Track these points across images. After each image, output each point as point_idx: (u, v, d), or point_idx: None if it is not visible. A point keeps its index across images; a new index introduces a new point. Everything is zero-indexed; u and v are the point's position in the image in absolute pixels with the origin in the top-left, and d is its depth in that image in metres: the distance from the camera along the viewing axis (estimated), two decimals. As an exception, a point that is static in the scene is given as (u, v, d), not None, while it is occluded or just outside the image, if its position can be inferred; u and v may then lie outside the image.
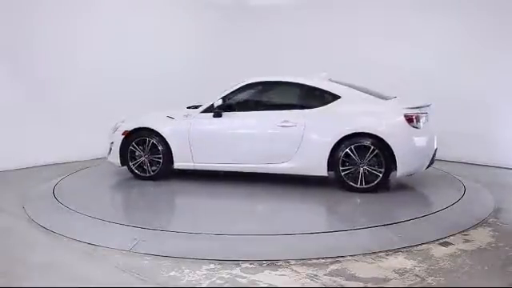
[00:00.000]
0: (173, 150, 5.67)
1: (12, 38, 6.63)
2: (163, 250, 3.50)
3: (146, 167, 5.81)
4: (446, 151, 7.01)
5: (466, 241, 3.70)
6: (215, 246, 3.61)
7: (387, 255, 3.39)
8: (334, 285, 2.93)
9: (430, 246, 3.58)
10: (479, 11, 6.79)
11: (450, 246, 3.58)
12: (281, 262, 3.26)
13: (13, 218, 4.45)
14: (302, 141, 5.16)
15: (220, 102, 5.52)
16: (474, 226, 4.04)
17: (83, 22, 7.35)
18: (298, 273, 3.11)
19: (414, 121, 4.96)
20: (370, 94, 5.38)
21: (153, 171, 5.80)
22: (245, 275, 3.08)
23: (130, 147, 5.83)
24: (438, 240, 3.69)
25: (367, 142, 4.96)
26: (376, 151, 4.93)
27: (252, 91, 5.75)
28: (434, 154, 5.28)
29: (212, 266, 3.22)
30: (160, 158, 5.72)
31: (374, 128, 4.98)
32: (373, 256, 3.38)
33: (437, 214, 4.36)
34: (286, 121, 5.23)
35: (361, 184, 5.02)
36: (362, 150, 4.98)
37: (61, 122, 7.16)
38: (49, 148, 6.94)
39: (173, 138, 5.67)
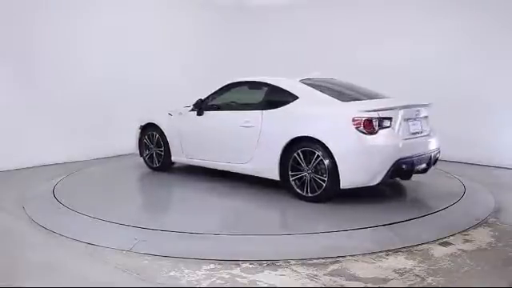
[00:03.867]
0: (170, 144, 6.15)
1: (12, 39, 6.63)
2: (163, 250, 3.50)
3: (154, 159, 6.41)
4: (446, 151, 7.03)
5: (466, 241, 3.70)
6: (215, 246, 3.61)
7: (387, 255, 3.39)
8: (334, 285, 2.93)
9: (430, 245, 3.58)
10: (479, 11, 6.79)
11: (450, 246, 3.58)
12: (281, 262, 3.26)
13: (13, 218, 4.46)
14: (258, 142, 5.08)
15: (199, 100, 5.82)
16: (474, 226, 4.04)
17: (83, 23, 7.36)
18: (298, 273, 3.11)
19: (363, 126, 4.41)
20: (357, 94, 5.15)
21: (158, 162, 6.33)
22: (245, 275, 3.08)
23: (144, 140, 6.47)
24: (437, 240, 3.69)
25: (312, 148, 4.61)
26: (320, 158, 4.56)
27: (231, 91, 5.79)
28: (412, 163, 4.63)
29: (212, 266, 3.22)
30: (163, 151, 6.25)
31: (318, 132, 4.59)
32: (373, 256, 3.38)
33: (437, 214, 4.36)
34: (247, 121, 5.21)
35: (306, 192, 4.71)
36: (309, 156, 4.64)
37: (61, 122, 7.16)
38: (49, 148, 6.95)
39: (170, 133, 6.17)
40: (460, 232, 3.87)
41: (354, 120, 4.44)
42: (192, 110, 5.92)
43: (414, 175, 5.02)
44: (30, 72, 6.83)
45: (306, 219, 4.27)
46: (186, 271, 3.14)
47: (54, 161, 7.02)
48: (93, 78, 7.45)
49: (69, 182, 5.80)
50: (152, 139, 6.37)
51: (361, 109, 4.54)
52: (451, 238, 3.75)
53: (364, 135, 4.42)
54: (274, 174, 4.97)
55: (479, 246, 3.59)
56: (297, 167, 4.75)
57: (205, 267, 3.19)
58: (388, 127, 4.53)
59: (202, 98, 5.87)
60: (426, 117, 5.08)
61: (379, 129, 4.46)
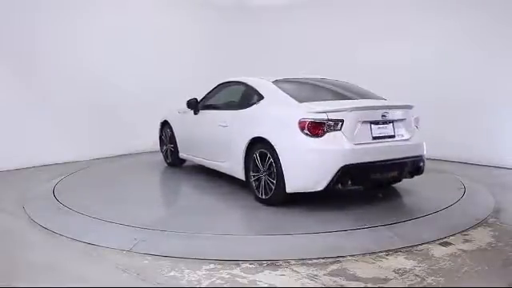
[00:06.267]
0: (177, 140, 6.47)
1: (13, 39, 6.64)
2: (163, 250, 3.50)
3: (168, 155, 6.79)
4: (446, 151, 7.04)
5: (466, 241, 3.70)
6: (215, 246, 3.61)
7: (387, 255, 3.39)
8: (334, 285, 2.93)
9: (430, 245, 3.58)
10: (479, 12, 6.78)
11: (450, 246, 3.57)
12: (281, 262, 3.26)
13: (13, 218, 4.46)
14: (230, 142, 5.10)
15: (194, 100, 5.99)
16: (474, 226, 4.04)
17: (83, 23, 7.36)
18: (298, 273, 3.10)
19: (307, 128, 4.20)
20: (336, 94, 5.02)
21: (171, 158, 6.71)
22: (245, 275, 3.08)
23: (162, 137, 6.90)
24: (437, 240, 3.68)
25: (265, 149, 4.52)
26: (271, 160, 4.45)
27: (222, 91, 5.87)
28: (367, 170, 4.34)
29: (212, 265, 3.22)
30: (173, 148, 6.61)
31: (268, 134, 4.50)
32: (373, 256, 3.38)
33: (437, 214, 4.36)
34: (224, 121, 5.28)
35: (261, 194, 4.62)
36: (264, 158, 4.55)
37: (61, 122, 7.17)
38: (49, 148, 6.95)
39: (177, 130, 6.49)
40: (460, 232, 3.87)
41: (299, 122, 4.25)
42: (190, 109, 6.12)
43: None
44: (30, 72, 6.84)
45: (307, 219, 4.27)
46: (186, 271, 3.14)
47: (54, 161, 7.02)
48: (93, 78, 7.46)
49: (69, 182, 5.81)
50: (166, 136, 6.74)
51: (309, 110, 4.30)
52: (451, 237, 3.75)
53: (308, 138, 4.21)
54: (240, 173, 4.98)
55: (479, 246, 3.59)
56: (256, 168, 4.70)
57: (205, 267, 3.19)
58: (338, 130, 4.23)
59: (198, 97, 6.02)
60: (402, 120, 4.67)
61: (327, 131, 4.20)
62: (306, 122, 4.22)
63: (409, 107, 4.78)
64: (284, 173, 4.32)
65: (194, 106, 5.98)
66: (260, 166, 4.62)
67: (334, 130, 4.22)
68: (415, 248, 3.53)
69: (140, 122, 7.95)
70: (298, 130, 4.25)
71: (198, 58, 8.80)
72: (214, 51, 9.01)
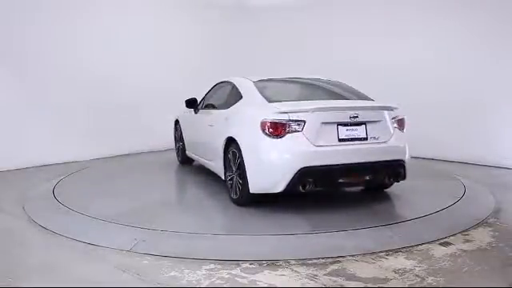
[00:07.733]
0: (184, 139, 6.62)
1: (13, 39, 6.64)
2: (163, 250, 3.49)
3: (179, 153, 7.01)
4: (446, 151, 7.03)
5: (466, 241, 3.70)
6: (215, 246, 3.61)
7: (387, 255, 3.39)
8: (334, 285, 2.93)
9: (430, 245, 3.58)
10: (479, 11, 6.78)
11: (450, 246, 3.57)
12: (281, 262, 3.26)
13: (13, 218, 4.46)
14: (214, 141, 5.10)
15: (192, 99, 6.09)
16: (474, 226, 4.03)
17: (83, 23, 7.37)
18: (298, 273, 3.10)
19: (268, 128, 4.14)
20: (318, 95, 4.99)
21: (181, 156, 6.90)
22: (245, 275, 3.07)
23: (175, 135, 7.13)
24: (438, 240, 3.68)
25: (236, 149, 4.50)
26: (239, 160, 4.42)
27: (218, 91, 5.86)
28: (329, 173, 4.17)
29: (212, 265, 3.22)
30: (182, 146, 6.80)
31: (237, 134, 4.51)
32: (373, 256, 3.37)
33: (437, 214, 4.35)
34: (211, 120, 5.35)
35: (233, 194, 4.61)
36: (235, 158, 4.53)
37: (61, 122, 7.17)
38: (49, 148, 6.96)
39: (184, 129, 6.63)
40: (460, 232, 3.87)
41: (261, 122, 4.20)
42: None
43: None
44: (30, 72, 6.84)
45: (308, 219, 4.27)
46: (186, 271, 3.13)
47: (54, 161, 7.03)
48: (93, 78, 7.46)
49: (69, 182, 5.81)
50: (178, 134, 6.97)
51: (272, 111, 4.24)
52: (451, 237, 3.74)
53: (268, 138, 4.15)
54: (221, 173, 5.00)
55: (479, 246, 3.59)
56: (231, 168, 4.67)
57: (205, 267, 3.19)
58: (299, 131, 4.11)
59: (199, 97, 6.09)
60: (378, 121, 4.42)
61: (288, 132, 4.10)
62: (266, 122, 4.18)
63: (387, 108, 4.52)
64: (247, 173, 4.29)
65: (193, 105, 6.05)
66: (232, 165, 4.61)
67: (296, 131, 4.12)
68: (415, 248, 3.52)
69: (140, 122, 7.96)
70: (260, 130, 4.20)
71: (198, 58, 8.80)
72: (215, 51, 9.01)
